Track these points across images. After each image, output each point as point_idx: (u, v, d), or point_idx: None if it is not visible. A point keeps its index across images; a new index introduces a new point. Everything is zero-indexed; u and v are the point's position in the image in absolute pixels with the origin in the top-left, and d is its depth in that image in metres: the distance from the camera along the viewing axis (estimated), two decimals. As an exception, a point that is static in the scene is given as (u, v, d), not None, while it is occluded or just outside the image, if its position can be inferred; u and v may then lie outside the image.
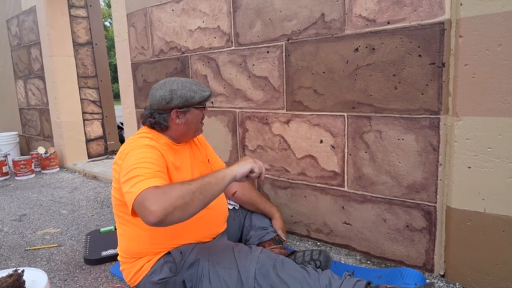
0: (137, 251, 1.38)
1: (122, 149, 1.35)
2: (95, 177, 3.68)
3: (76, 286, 1.67)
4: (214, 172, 1.25)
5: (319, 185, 1.91)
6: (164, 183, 1.16)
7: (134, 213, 1.15)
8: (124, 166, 1.25)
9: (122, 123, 5.09)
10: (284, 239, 1.74)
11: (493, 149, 1.37)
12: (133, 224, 1.36)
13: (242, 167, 1.27)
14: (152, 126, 1.43)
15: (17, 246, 2.12)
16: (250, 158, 1.33)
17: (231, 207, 1.77)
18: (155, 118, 1.40)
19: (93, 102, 4.41)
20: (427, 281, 1.54)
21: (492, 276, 1.44)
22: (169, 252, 1.36)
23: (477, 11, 1.33)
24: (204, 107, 1.46)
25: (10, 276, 1.23)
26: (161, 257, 1.36)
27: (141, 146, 1.30)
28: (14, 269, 1.28)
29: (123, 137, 4.35)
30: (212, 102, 2.34)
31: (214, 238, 1.50)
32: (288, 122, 1.97)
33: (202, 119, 1.50)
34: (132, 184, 1.15)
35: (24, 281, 1.24)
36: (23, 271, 1.27)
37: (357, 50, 1.64)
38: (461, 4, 1.36)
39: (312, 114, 1.86)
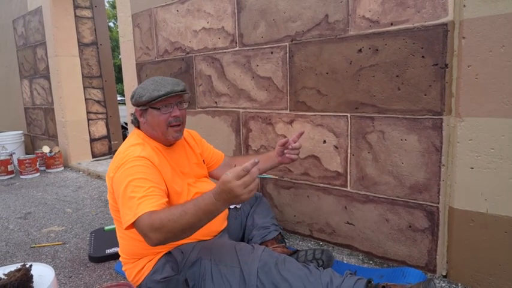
0: (138, 251, 1.39)
1: (114, 160, 1.35)
2: (98, 177, 3.71)
3: (81, 283, 1.69)
4: (206, 201, 1.06)
5: (322, 185, 1.92)
6: (159, 201, 1.16)
7: (128, 228, 1.17)
8: (116, 181, 1.26)
9: (125, 123, 5.14)
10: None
11: (496, 150, 1.37)
12: None
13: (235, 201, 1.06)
14: (133, 123, 1.47)
15: (23, 244, 2.14)
16: (236, 186, 1.00)
17: (232, 206, 1.78)
18: (132, 114, 1.46)
19: (98, 102, 4.44)
20: (427, 277, 1.54)
21: (494, 277, 1.44)
22: (169, 252, 1.37)
23: (480, 13, 1.34)
24: (160, 108, 1.32)
25: (18, 270, 1.25)
26: (162, 256, 1.36)
27: (132, 159, 1.27)
28: (22, 263, 1.30)
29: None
30: (216, 103, 2.35)
31: (215, 236, 1.51)
32: (291, 122, 1.98)
33: (170, 122, 1.36)
34: (129, 206, 1.16)
35: (32, 276, 1.26)
36: (30, 266, 1.29)
37: (360, 50, 1.66)
38: (464, 6, 1.37)
39: (315, 115, 1.88)
